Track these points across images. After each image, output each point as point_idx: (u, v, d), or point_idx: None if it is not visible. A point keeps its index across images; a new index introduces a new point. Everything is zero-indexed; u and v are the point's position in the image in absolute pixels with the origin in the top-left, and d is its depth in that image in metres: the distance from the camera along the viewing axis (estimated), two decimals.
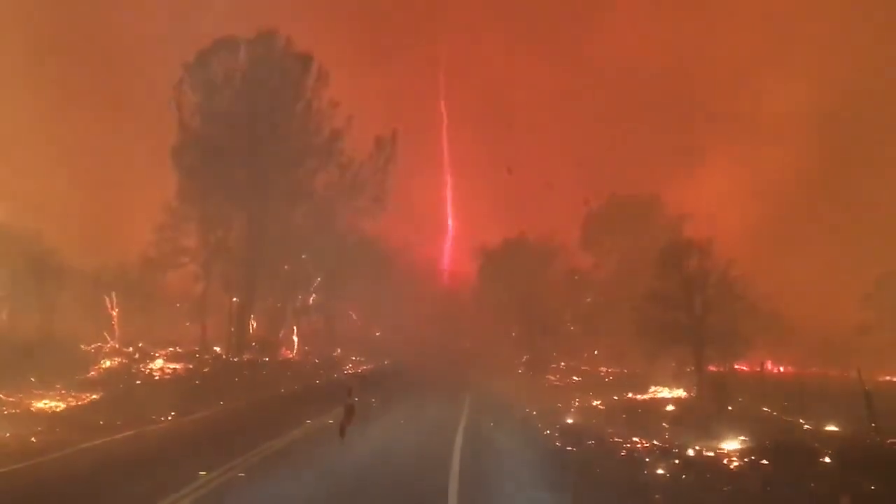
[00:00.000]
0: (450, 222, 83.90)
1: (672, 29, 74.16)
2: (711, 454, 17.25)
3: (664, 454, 16.83)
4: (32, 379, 26.26)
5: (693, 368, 31.11)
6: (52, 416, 20.56)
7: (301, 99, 43.64)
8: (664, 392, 33.52)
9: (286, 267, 48.16)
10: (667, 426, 21.80)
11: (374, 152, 45.30)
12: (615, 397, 31.73)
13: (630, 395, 33.23)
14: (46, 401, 23.45)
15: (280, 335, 51.37)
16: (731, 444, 18.45)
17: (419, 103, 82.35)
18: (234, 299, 43.18)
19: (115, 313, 40.69)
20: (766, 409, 25.65)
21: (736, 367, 37.47)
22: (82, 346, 35.76)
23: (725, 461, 16.37)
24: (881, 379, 41.79)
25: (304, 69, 43.55)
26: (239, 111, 41.92)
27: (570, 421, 23.36)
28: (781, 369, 50.80)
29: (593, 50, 74.53)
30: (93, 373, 31.61)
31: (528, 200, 73.22)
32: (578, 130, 75.72)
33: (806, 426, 22.27)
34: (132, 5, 57.14)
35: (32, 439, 16.26)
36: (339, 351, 55.92)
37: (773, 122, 66.45)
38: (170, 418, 20.50)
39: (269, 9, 55.57)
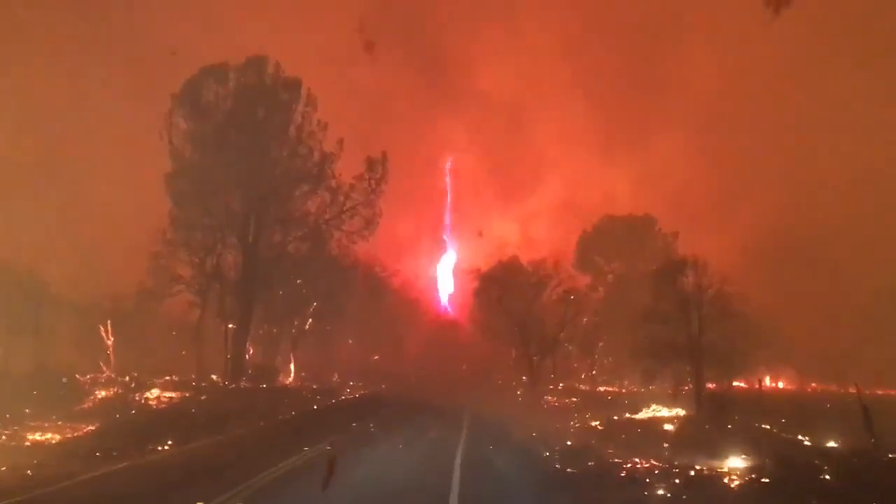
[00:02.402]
0: (447, 243, 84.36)
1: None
2: (712, 473, 17.18)
3: (665, 474, 16.75)
4: (27, 411, 26.07)
5: (691, 387, 31.05)
6: (48, 448, 20.37)
7: (291, 123, 43.81)
8: (663, 411, 33.40)
9: (281, 293, 48.05)
10: (667, 445, 21.71)
11: (365, 173, 45.32)
12: (614, 417, 31.59)
13: (629, 414, 33.09)
14: (42, 433, 23.26)
15: (277, 362, 51.16)
16: (732, 463, 18.38)
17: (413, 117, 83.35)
18: (230, 326, 43.01)
19: (110, 343, 40.50)
20: (765, 426, 25.55)
21: (734, 384, 37.45)
22: (78, 377, 35.52)
23: (726, 480, 16.29)
24: (880, 392, 41.79)
25: (294, 94, 43.76)
26: (230, 137, 42.01)
27: (569, 442, 23.24)
28: (780, 385, 50.79)
29: None
30: (88, 403, 31.34)
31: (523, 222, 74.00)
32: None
33: (806, 442, 22.21)
34: (121, 38, 57.71)
35: (28, 472, 16.11)
36: (336, 377, 55.70)
37: (767, 136, 67.15)
38: (167, 448, 20.33)
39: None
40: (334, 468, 15.12)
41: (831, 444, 21.37)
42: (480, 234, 75.79)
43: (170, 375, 41.32)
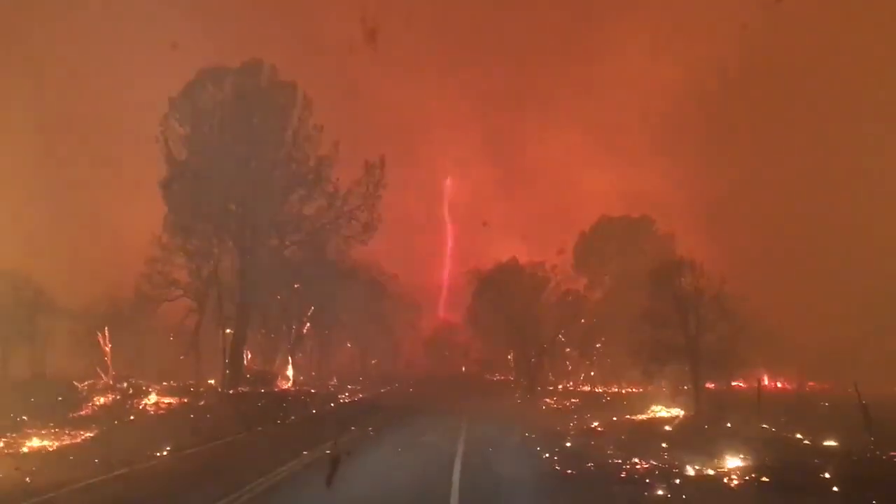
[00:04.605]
0: (448, 247, 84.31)
1: None
2: (712, 473, 17.16)
3: (664, 475, 16.74)
4: (25, 418, 25.99)
5: (690, 387, 31.03)
6: (46, 455, 20.31)
7: (287, 127, 43.64)
8: (662, 412, 33.40)
9: (279, 297, 47.93)
10: (666, 446, 21.70)
11: (363, 177, 45.14)
12: (613, 418, 31.58)
13: (628, 415, 33.08)
14: (40, 440, 23.20)
15: (275, 366, 51.07)
16: (731, 463, 18.37)
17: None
18: (228, 331, 42.87)
19: (108, 349, 40.35)
20: (764, 425, 25.55)
21: (733, 384, 37.44)
22: (75, 383, 35.40)
23: (726, 480, 16.29)
24: (881, 391, 41.75)
25: (290, 97, 43.65)
26: (226, 142, 41.82)
27: (568, 444, 23.23)
28: (779, 385, 50.77)
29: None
30: (86, 410, 31.24)
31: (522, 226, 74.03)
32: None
33: (805, 442, 22.21)
34: (117, 41, 57.49)
35: (27, 479, 16.06)
36: (334, 380, 55.62)
37: (764, 135, 67.28)
38: (165, 454, 20.28)
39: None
40: (338, 466, 15.15)
41: (830, 443, 21.36)
42: (485, 224, 75.97)
43: (168, 381, 41.20)
